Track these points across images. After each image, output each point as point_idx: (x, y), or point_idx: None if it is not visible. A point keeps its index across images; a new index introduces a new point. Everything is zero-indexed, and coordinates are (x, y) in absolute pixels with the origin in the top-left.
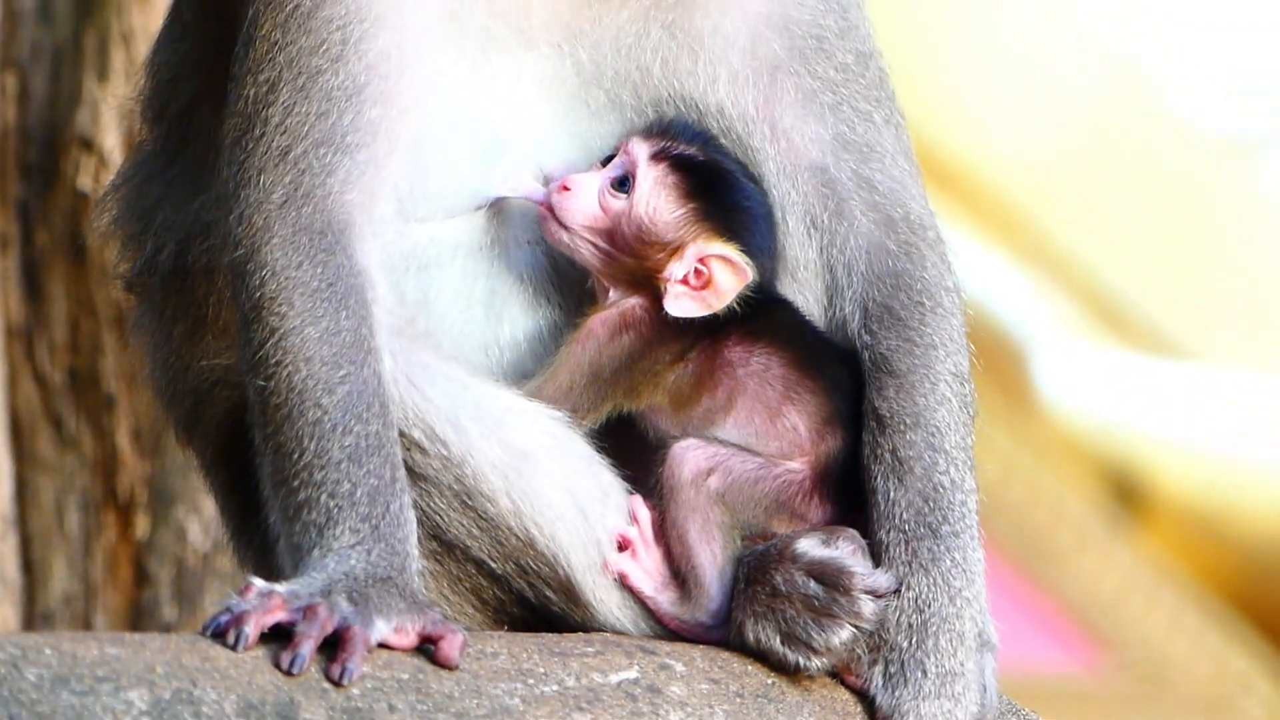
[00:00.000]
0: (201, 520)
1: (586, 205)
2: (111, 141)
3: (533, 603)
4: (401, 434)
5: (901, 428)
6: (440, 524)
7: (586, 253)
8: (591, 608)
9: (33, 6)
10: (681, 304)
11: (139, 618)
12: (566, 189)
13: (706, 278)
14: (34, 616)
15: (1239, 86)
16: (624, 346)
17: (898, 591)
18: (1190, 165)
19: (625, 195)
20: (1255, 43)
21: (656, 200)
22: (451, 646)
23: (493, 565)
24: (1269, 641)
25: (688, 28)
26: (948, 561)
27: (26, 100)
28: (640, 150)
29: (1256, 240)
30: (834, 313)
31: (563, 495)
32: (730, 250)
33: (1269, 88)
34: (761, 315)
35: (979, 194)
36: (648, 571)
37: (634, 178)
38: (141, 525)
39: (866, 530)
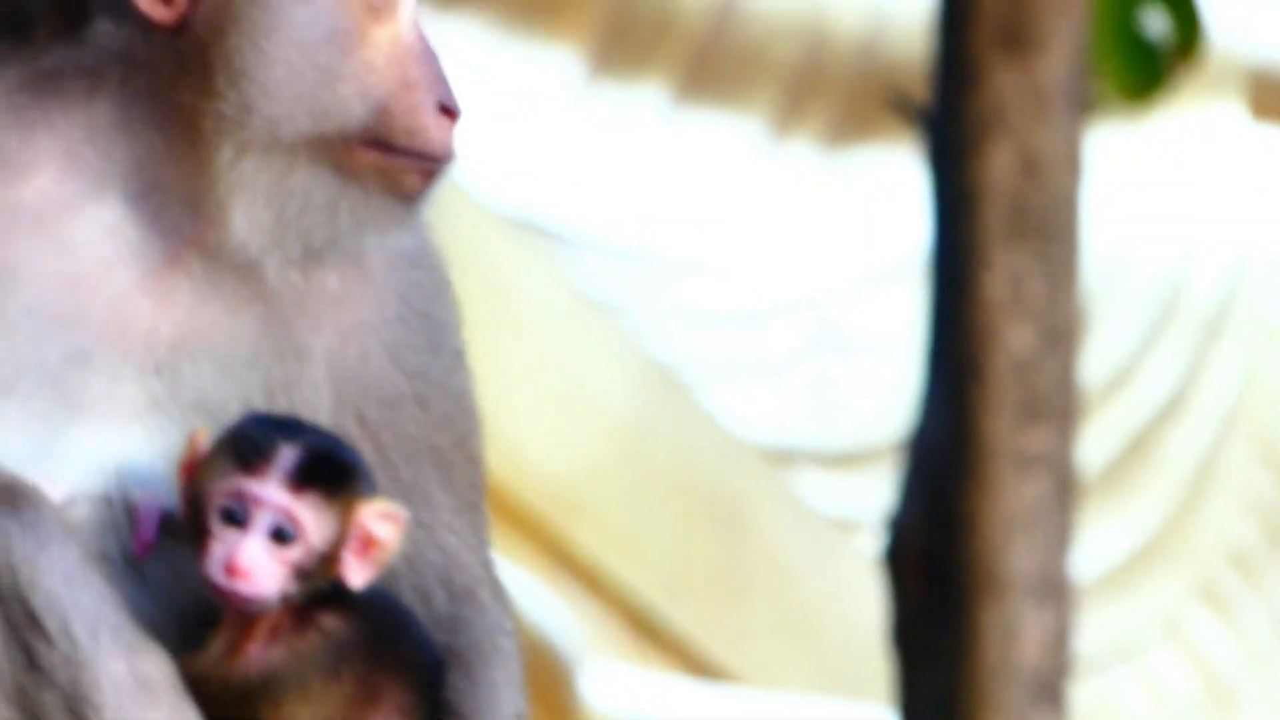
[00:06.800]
0: None
1: (268, 576)
2: None
3: None
4: None
5: None
6: None
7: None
8: None
9: None
10: (360, 574)
11: None
12: (241, 573)
13: (369, 538)
14: None
15: (776, 398)
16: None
17: None
18: (728, 478)
19: (293, 539)
20: (791, 355)
21: (320, 520)
22: None
23: None
24: None
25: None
26: None
27: None
28: (269, 490)
29: (795, 554)
30: None
31: None
32: (376, 506)
33: (804, 400)
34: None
35: (512, 510)
36: None
37: (292, 519)
38: None
39: None
